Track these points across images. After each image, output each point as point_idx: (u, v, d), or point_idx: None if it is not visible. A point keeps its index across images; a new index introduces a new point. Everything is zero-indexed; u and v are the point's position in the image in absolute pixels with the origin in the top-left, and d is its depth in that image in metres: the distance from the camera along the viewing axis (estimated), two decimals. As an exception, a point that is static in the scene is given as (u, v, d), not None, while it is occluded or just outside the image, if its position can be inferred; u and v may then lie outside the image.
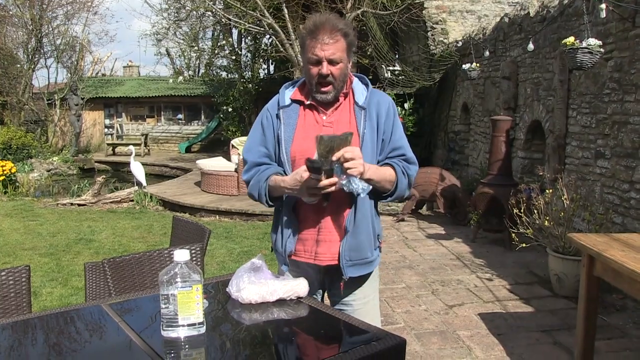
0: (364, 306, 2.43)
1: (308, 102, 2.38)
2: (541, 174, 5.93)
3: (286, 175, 2.33)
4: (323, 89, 2.30)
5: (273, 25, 11.22)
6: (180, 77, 18.89)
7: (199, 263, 3.07)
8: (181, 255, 1.86)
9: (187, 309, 1.83)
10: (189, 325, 1.84)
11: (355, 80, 2.44)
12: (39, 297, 5.41)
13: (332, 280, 2.44)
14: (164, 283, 1.84)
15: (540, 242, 5.32)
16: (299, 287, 2.21)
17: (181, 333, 1.83)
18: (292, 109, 2.39)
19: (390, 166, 2.35)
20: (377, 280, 2.54)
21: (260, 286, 2.15)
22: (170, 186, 12.35)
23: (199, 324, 1.85)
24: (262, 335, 1.92)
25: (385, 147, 2.38)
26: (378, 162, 2.37)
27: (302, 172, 2.15)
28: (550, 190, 5.40)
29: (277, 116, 2.40)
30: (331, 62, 2.25)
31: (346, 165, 2.09)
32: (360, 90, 2.40)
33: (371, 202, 2.40)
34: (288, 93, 2.43)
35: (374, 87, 2.47)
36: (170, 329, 1.84)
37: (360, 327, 1.97)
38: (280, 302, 2.13)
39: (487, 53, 9.21)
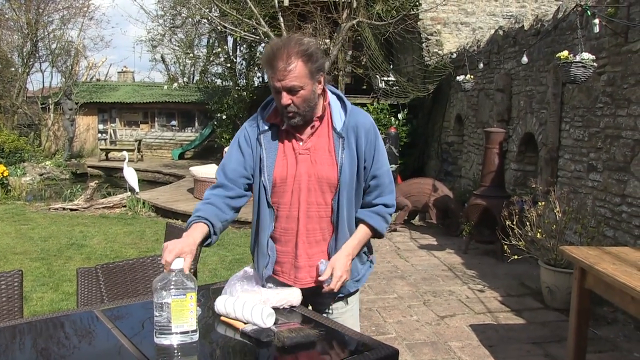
0: (340, 316, 2.37)
1: (283, 128, 2.30)
2: (534, 186, 5.96)
3: (262, 199, 2.32)
4: (289, 115, 2.20)
5: (268, 33, 11.24)
6: (175, 84, 18.89)
7: (191, 270, 3.06)
8: (176, 263, 1.86)
9: (180, 317, 1.83)
10: (182, 332, 1.83)
11: (332, 99, 2.33)
12: (30, 302, 5.38)
13: (311, 294, 2.36)
14: (157, 290, 1.84)
15: (532, 254, 5.33)
16: (291, 296, 2.21)
17: (174, 340, 1.83)
18: (272, 133, 2.32)
19: (365, 223, 2.34)
20: (355, 294, 2.48)
21: (254, 295, 2.14)
22: (163, 192, 12.32)
23: (192, 331, 1.85)
24: (254, 344, 1.92)
25: (367, 174, 2.31)
26: (359, 192, 2.33)
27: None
28: (543, 203, 5.42)
29: (258, 140, 2.32)
30: (290, 91, 2.14)
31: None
32: (337, 112, 2.31)
33: (352, 227, 2.34)
34: (265, 116, 2.35)
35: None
36: (163, 336, 1.83)
37: (353, 337, 1.98)
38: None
39: (481, 65, 9.26)
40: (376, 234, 2.37)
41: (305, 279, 2.31)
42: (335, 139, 2.26)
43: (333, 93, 2.36)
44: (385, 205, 2.36)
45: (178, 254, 1.94)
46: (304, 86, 2.15)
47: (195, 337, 1.86)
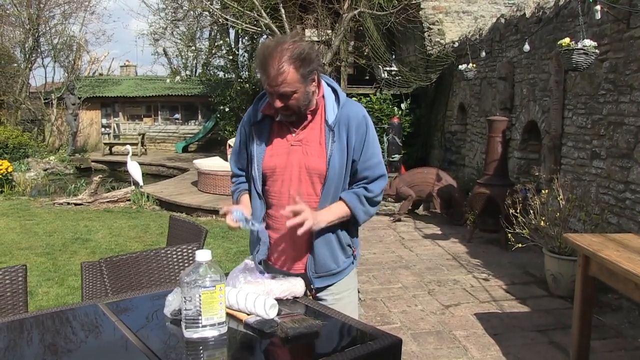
0: (337, 302, 2.38)
1: (277, 119, 2.32)
2: (537, 174, 5.95)
3: (252, 189, 2.39)
4: (284, 114, 2.24)
5: (270, 25, 11.22)
6: (178, 77, 18.90)
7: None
8: (203, 255, 1.85)
9: (210, 309, 1.82)
10: (211, 325, 1.83)
11: (327, 91, 2.32)
12: (35, 297, 5.41)
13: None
14: (187, 284, 1.83)
15: (536, 242, 5.33)
16: (295, 287, 2.22)
17: (204, 334, 1.83)
18: (264, 124, 2.35)
19: (341, 199, 2.30)
20: (353, 279, 2.50)
21: (257, 286, 2.15)
22: (167, 186, 12.34)
23: (220, 324, 1.85)
24: (257, 335, 1.92)
25: (354, 167, 2.32)
26: (349, 184, 2.35)
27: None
28: (546, 191, 5.42)
29: (250, 132, 2.37)
30: (282, 97, 2.14)
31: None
32: (331, 104, 2.31)
33: None
34: (260, 107, 2.36)
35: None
36: (192, 330, 1.83)
37: (356, 327, 1.98)
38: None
39: (483, 54, 9.22)
40: (351, 213, 2.31)
41: (297, 265, 2.38)
42: (327, 131, 2.27)
43: (328, 85, 2.36)
44: (366, 189, 2.32)
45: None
46: (297, 90, 2.14)
47: (224, 329, 1.86)
